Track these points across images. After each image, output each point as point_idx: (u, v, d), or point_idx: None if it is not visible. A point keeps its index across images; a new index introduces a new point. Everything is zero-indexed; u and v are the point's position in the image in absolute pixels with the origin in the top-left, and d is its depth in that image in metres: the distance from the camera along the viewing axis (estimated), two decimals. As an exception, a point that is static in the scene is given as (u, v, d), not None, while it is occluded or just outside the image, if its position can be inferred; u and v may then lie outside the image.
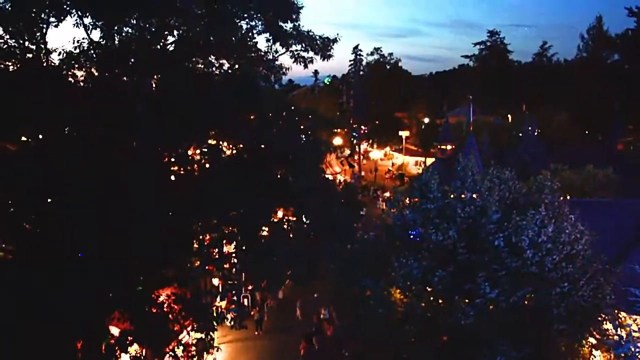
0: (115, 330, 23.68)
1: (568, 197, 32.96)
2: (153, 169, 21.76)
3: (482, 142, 67.47)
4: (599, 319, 26.05)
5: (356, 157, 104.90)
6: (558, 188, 28.04)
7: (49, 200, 21.57)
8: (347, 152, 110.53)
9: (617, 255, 32.03)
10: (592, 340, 26.50)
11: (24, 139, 22.02)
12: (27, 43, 21.78)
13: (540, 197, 27.06)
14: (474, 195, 26.92)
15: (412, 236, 28.13)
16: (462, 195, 27.39)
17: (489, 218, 25.70)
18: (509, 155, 63.80)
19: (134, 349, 23.31)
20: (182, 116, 21.34)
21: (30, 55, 21.85)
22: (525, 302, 25.38)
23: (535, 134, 74.46)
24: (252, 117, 25.66)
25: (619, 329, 24.59)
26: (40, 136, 21.80)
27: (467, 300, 25.12)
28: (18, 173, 19.87)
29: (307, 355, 36.39)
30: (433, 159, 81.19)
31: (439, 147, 76.59)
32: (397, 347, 26.40)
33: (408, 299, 26.71)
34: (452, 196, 27.47)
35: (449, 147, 74.06)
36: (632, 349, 20.97)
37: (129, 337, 22.49)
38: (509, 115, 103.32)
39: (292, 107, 29.09)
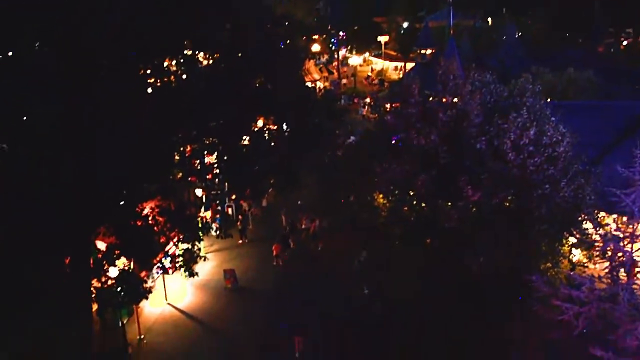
0: (102, 245, 23.74)
1: (549, 100, 32.82)
2: (129, 82, 21.29)
3: (462, 46, 66.66)
4: (579, 219, 26.44)
5: (335, 63, 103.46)
6: (539, 91, 27.89)
7: (24, 117, 21.07)
8: (326, 58, 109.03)
9: (597, 156, 32.30)
10: (572, 239, 26.99)
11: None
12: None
13: (521, 100, 26.88)
14: (455, 99, 26.73)
15: (393, 141, 28.07)
16: (444, 100, 27.20)
17: (471, 122, 25.61)
18: (489, 59, 63.18)
19: (121, 262, 23.46)
20: (155, 26, 20.68)
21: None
22: (507, 204, 25.64)
23: (516, 37, 73.65)
24: (227, 26, 24.98)
25: (598, 228, 25.06)
26: (10, 53, 21.02)
27: (449, 203, 25.35)
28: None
29: (281, 254, 37.34)
30: (413, 64, 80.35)
31: (418, 51, 75.92)
32: (383, 249, 26.77)
33: (391, 204, 26.90)
34: (432, 100, 27.27)
35: (429, 51, 73.31)
36: (611, 247, 21.38)
37: (116, 251, 22.59)
38: (489, 19, 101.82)
39: (268, 14, 28.35)
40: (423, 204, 26.53)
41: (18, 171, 19.98)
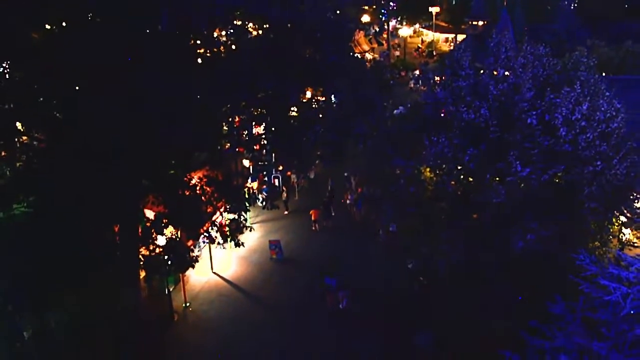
0: (150, 214, 24.10)
1: (604, 75, 31.92)
2: (179, 52, 21.38)
3: (515, 17, 65.29)
4: (631, 197, 25.85)
5: (385, 34, 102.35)
6: (594, 65, 27.18)
7: (77, 87, 21.40)
8: (376, 29, 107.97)
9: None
10: (622, 218, 26.43)
11: (47, 27, 21.52)
12: None
13: (575, 74, 26.26)
14: (507, 72, 26.23)
15: (442, 114, 27.76)
16: (495, 72, 26.71)
17: (522, 95, 25.13)
18: (544, 31, 61.69)
19: (169, 230, 23.80)
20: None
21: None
22: (557, 181, 25.19)
23: (572, 7, 71.73)
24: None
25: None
26: (64, 24, 21.28)
27: (498, 179, 25.01)
28: (44, 59, 19.60)
29: (320, 221, 38.37)
30: (464, 36, 79.11)
31: (470, 23, 74.57)
32: (428, 224, 26.60)
33: (438, 178, 26.67)
34: (483, 73, 26.82)
35: (480, 23, 72.05)
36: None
37: (164, 220, 23.00)
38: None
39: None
40: (470, 179, 26.22)
41: (73, 139, 20.40)
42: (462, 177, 26.40)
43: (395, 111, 52.68)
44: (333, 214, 39.29)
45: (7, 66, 21.09)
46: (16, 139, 22.15)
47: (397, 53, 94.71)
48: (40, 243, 20.51)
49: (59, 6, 20.24)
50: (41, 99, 21.40)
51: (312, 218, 38.24)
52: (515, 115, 25.18)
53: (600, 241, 25.46)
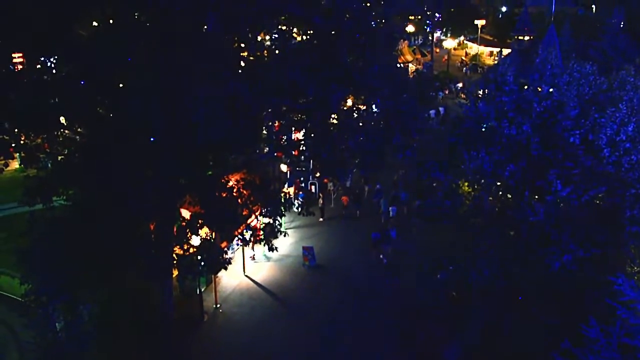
0: (186, 214, 24.23)
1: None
2: (223, 55, 21.47)
3: (563, 34, 64.44)
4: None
5: (429, 45, 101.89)
6: (642, 85, 26.71)
7: (121, 85, 21.64)
8: (420, 40, 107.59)
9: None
10: (664, 243, 25.84)
11: (95, 24, 21.81)
12: None
13: (621, 93, 25.84)
14: (551, 90, 25.93)
15: (484, 129, 27.54)
16: (539, 89, 26.42)
17: (566, 114, 24.81)
18: (591, 49, 60.74)
19: (204, 231, 23.89)
20: (252, 1, 20.77)
21: None
22: (597, 202, 24.77)
23: (621, 25, 70.45)
24: (322, 2, 24.90)
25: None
26: (111, 21, 21.56)
27: (537, 197, 24.71)
28: (91, 58, 19.85)
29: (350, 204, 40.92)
30: (509, 50, 78.34)
31: (516, 38, 73.80)
32: (464, 237, 26.32)
33: (476, 192, 26.43)
34: (527, 89, 26.54)
35: (526, 38, 71.28)
36: None
37: (199, 220, 23.03)
38: (594, 6, 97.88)
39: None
40: (509, 195, 25.94)
41: (114, 135, 20.65)
42: (500, 193, 26.14)
43: (431, 111, 52.40)
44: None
45: (54, 61, 21.43)
46: (59, 133, 22.55)
47: (444, 58, 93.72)
48: (77, 236, 20.78)
49: (107, 4, 20.52)
50: (85, 94, 21.67)
51: (344, 204, 40.99)
52: (557, 133, 24.88)
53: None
